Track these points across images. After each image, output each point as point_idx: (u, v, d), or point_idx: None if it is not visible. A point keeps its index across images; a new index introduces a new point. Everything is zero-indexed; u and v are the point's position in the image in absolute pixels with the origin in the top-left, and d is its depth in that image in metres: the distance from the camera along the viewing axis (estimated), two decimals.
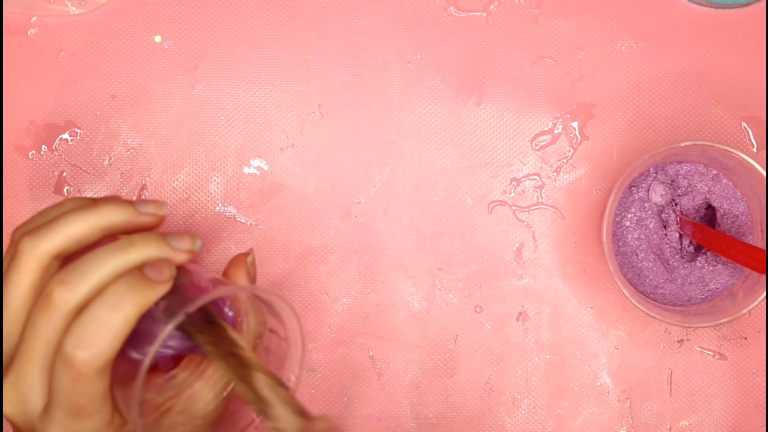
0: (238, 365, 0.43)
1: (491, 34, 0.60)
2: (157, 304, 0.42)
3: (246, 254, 0.50)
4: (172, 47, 0.60)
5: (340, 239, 0.60)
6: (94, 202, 0.44)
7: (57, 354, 0.40)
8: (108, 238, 0.44)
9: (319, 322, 0.59)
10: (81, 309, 0.41)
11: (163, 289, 0.41)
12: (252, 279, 0.50)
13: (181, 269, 0.44)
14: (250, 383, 0.43)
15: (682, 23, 0.60)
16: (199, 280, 0.44)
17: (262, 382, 0.43)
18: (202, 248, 0.59)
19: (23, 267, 0.42)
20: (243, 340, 0.45)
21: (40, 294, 0.41)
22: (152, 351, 0.40)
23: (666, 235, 0.58)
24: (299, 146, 0.60)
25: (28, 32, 0.59)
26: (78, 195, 0.47)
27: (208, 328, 0.44)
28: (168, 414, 0.46)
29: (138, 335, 0.41)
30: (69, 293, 0.40)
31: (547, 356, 0.60)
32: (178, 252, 0.43)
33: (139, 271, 0.41)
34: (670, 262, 0.58)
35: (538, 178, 0.60)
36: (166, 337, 0.40)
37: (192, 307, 0.41)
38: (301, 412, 0.43)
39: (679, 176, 0.58)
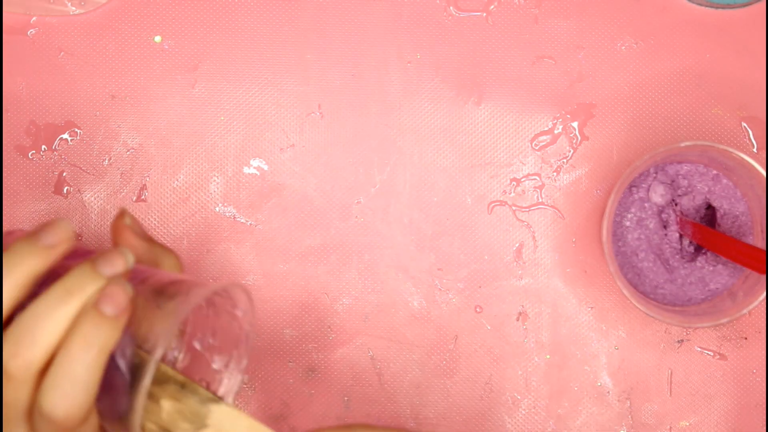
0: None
1: (491, 34, 0.60)
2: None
3: (121, 217, 0.46)
4: (172, 47, 0.60)
5: (340, 239, 0.60)
6: (60, 285, 0.40)
7: (35, 413, 0.39)
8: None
9: (319, 322, 0.59)
10: (44, 366, 0.39)
11: (124, 320, 0.39)
12: (141, 236, 0.46)
13: None
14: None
15: (682, 23, 0.60)
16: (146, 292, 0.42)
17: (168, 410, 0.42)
18: (203, 248, 0.59)
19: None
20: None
21: None
22: (145, 385, 0.38)
23: (666, 235, 0.58)
24: (299, 146, 0.60)
25: (28, 32, 0.60)
26: None
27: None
28: None
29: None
30: (24, 363, 0.38)
31: (547, 356, 0.60)
32: (116, 280, 0.40)
33: (96, 310, 0.39)
34: (670, 262, 0.58)
35: (538, 178, 0.60)
36: (156, 364, 0.39)
37: (163, 345, 0.39)
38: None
39: (679, 176, 0.58)
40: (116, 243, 0.46)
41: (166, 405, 0.42)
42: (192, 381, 0.43)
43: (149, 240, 0.46)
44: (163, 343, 0.39)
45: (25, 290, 0.40)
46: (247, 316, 0.44)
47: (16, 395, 0.39)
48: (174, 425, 0.42)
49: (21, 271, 0.40)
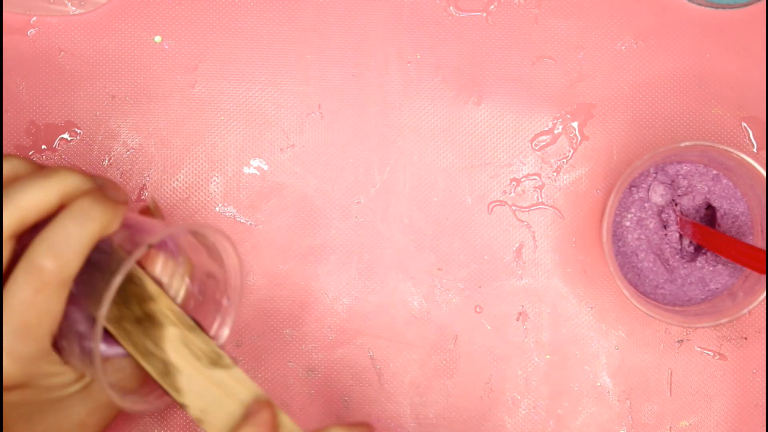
0: (148, 329, 0.44)
1: (491, 34, 0.60)
2: (110, 241, 0.42)
3: (146, 204, 0.51)
4: (172, 47, 0.60)
5: (340, 239, 0.60)
6: (45, 171, 0.44)
7: (20, 266, 0.41)
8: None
9: (319, 322, 0.59)
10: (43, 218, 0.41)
11: (123, 210, 0.42)
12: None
13: None
14: (158, 349, 0.43)
15: (682, 23, 0.60)
16: (141, 222, 0.45)
17: (172, 338, 0.43)
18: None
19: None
20: (164, 296, 0.45)
21: (22, 265, 0.41)
22: (117, 281, 0.40)
23: (666, 235, 0.58)
24: (299, 146, 0.60)
25: (28, 32, 0.60)
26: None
27: (124, 287, 0.44)
28: None
29: (91, 277, 0.41)
30: (59, 262, 0.41)
31: (547, 356, 0.60)
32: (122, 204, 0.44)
33: (101, 190, 0.42)
34: (670, 262, 0.58)
35: (538, 178, 0.60)
36: (127, 269, 0.40)
37: (155, 239, 0.41)
38: (220, 361, 0.43)
39: (679, 176, 0.58)
40: None
41: (172, 331, 0.43)
42: (201, 329, 0.44)
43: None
44: (143, 245, 0.41)
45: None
46: (234, 274, 0.45)
47: (50, 302, 0.41)
48: (178, 353, 0.43)
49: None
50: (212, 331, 0.47)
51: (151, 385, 0.45)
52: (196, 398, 0.43)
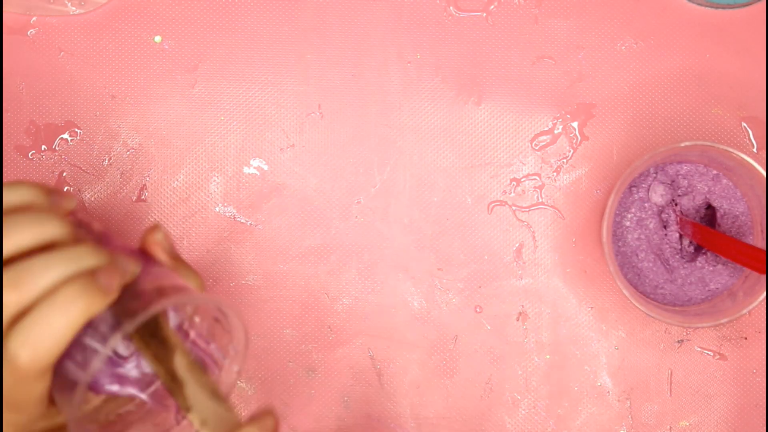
0: (161, 346, 0.44)
1: (491, 34, 0.60)
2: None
3: (154, 231, 0.47)
4: (172, 47, 0.60)
5: (340, 239, 0.60)
6: (75, 249, 0.41)
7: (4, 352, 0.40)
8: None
9: (319, 322, 0.59)
10: (24, 312, 0.40)
11: (110, 299, 0.40)
12: (170, 253, 0.48)
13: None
14: (169, 364, 0.43)
15: (682, 23, 0.60)
16: (142, 287, 0.43)
17: (180, 363, 0.43)
18: (203, 248, 0.59)
19: None
20: (180, 345, 0.45)
21: None
22: (91, 371, 0.40)
23: (666, 235, 0.58)
24: (299, 146, 0.60)
25: (28, 32, 0.60)
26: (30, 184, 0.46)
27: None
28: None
29: (76, 346, 0.41)
30: (18, 295, 0.39)
31: (547, 356, 0.60)
32: (126, 273, 0.42)
33: (90, 276, 0.40)
34: (670, 262, 0.58)
35: (538, 178, 0.60)
36: (104, 357, 0.40)
37: (130, 327, 0.40)
38: (218, 396, 0.43)
39: (679, 176, 0.58)
40: (145, 251, 0.47)
41: (180, 360, 0.43)
42: (202, 368, 0.44)
43: (177, 258, 0.47)
44: (126, 327, 0.40)
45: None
46: (240, 344, 0.45)
47: None
48: (187, 372, 0.43)
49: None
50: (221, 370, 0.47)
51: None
52: (199, 408, 0.43)
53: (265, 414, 0.43)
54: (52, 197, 0.43)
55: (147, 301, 0.42)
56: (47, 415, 0.43)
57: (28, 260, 0.40)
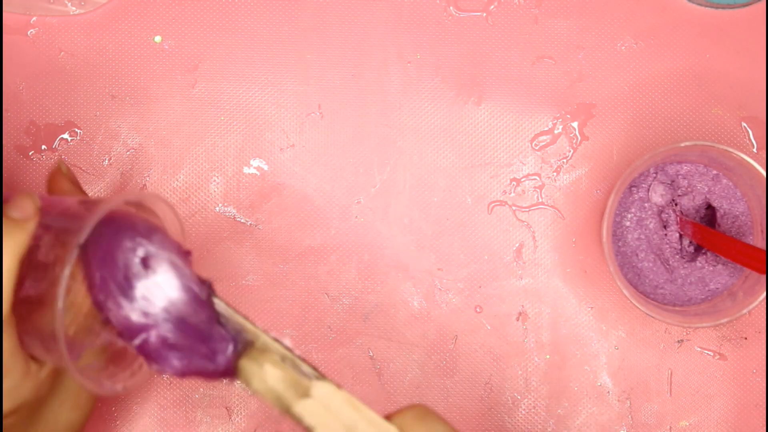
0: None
1: (491, 34, 0.60)
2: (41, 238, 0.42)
3: (59, 166, 0.50)
4: (172, 47, 0.60)
5: (340, 239, 0.60)
6: None
7: None
8: None
9: (319, 322, 0.59)
10: None
11: (32, 225, 0.42)
12: (75, 183, 0.50)
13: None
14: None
15: (682, 23, 0.60)
16: (69, 206, 0.44)
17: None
18: (203, 248, 0.59)
19: None
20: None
21: None
22: (62, 284, 0.40)
23: (666, 235, 0.58)
24: (299, 146, 0.60)
25: (28, 32, 0.60)
26: None
27: None
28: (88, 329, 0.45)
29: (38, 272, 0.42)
30: None
31: (547, 356, 0.60)
32: (26, 193, 0.44)
33: (3, 215, 0.42)
34: (670, 262, 0.58)
35: (538, 178, 0.60)
36: (70, 266, 0.40)
37: (86, 229, 0.41)
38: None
39: (679, 176, 0.58)
40: (50, 188, 0.50)
41: (270, 370, 0.42)
42: (294, 354, 0.43)
43: (79, 187, 0.50)
44: (73, 251, 0.40)
45: None
46: (172, 227, 0.46)
47: None
48: (279, 390, 0.42)
49: None
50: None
51: (123, 361, 0.45)
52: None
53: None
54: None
55: (81, 216, 0.42)
56: (29, 372, 0.43)
57: None
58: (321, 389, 0.43)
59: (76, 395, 0.48)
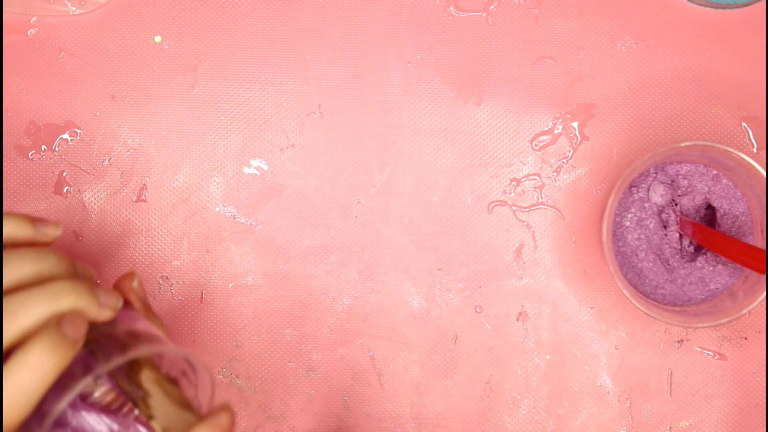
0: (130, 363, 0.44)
1: (491, 34, 0.60)
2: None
3: (130, 278, 0.49)
4: (172, 47, 0.60)
5: (340, 239, 0.60)
6: (53, 285, 0.42)
7: None
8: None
9: (319, 322, 0.59)
10: (7, 351, 0.40)
11: (78, 347, 0.41)
12: (143, 302, 0.49)
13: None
14: (136, 377, 0.44)
15: (682, 23, 0.60)
16: (117, 328, 0.44)
17: (147, 376, 0.44)
18: (202, 248, 0.59)
19: None
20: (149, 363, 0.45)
21: None
22: (56, 412, 0.40)
23: (666, 235, 0.58)
24: (299, 146, 0.60)
25: (28, 32, 0.60)
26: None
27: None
28: None
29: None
30: (8, 414, 0.39)
31: (547, 356, 0.60)
32: (105, 308, 0.43)
33: (58, 328, 0.40)
34: (670, 262, 0.58)
35: (538, 178, 0.60)
36: (69, 401, 0.40)
37: (102, 370, 0.41)
38: (186, 405, 0.43)
39: (679, 176, 0.58)
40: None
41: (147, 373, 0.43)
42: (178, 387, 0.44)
43: (148, 307, 0.49)
44: (99, 370, 0.41)
45: None
46: (205, 392, 0.46)
47: None
48: (153, 386, 0.44)
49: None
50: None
51: None
52: (162, 417, 0.44)
53: (220, 410, 0.43)
54: (37, 226, 0.44)
55: (121, 343, 0.42)
56: None
57: (8, 298, 0.40)
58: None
59: None
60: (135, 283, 0.49)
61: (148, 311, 0.49)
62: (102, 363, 0.41)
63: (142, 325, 0.45)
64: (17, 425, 0.40)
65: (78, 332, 0.41)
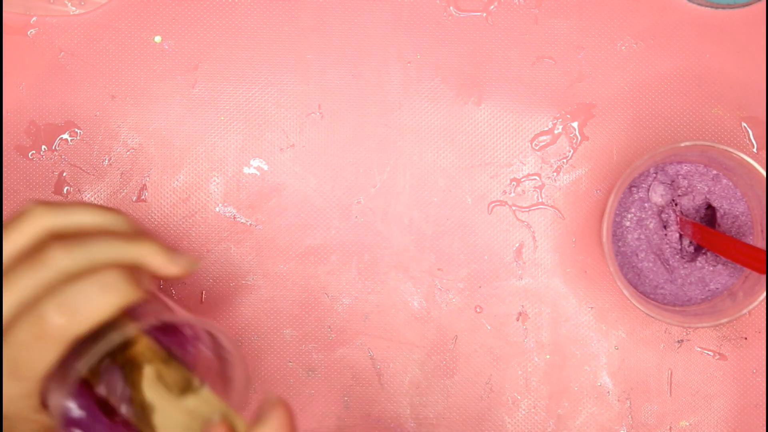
0: (127, 374, 0.44)
1: (491, 34, 0.60)
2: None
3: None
4: (172, 47, 0.60)
5: (340, 239, 0.60)
6: (135, 237, 0.44)
7: (28, 310, 0.40)
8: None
9: (319, 322, 0.59)
10: (66, 279, 0.41)
11: (142, 296, 0.42)
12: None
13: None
14: (135, 391, 0.44)
15: (682, 23, 0.60)
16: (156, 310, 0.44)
17: (148, 377, 0.44)
18: (203, 248, 0.59)
19: (23, 228, 0.42)
20: (143, 337, 0.45)
21: (36, 249, 0.41)
22: (93, 356, 0.40)
23: (666, 235, 0.58)
24: (299, 146, 0.60)
25: (28, 32, 0.60)
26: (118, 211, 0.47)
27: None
28: None
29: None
30: (65, 255, 0.40)
31: (547, 356, 0.60)
32: (175, 265, 0.44)
33: (134, 270, 0.42)
34: (670, 262, 0.58)
35: (538, 178, 0.60)
36: (106, 349, 0.40)
37: (131, 330, 0.41)
38: (189, 384, 0.44)
39: (679, 176, 0.58)
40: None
41: (148, 370, 0.44)
42: (175, 359, 0.44)
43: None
44: (127, 330, 0.41)
45: None
46: (241, 379, 0.46)
47: (31, 277, 0.41)
48: (153, 390, 0.43)
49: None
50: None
51: None
52: (167, 430, 0.44)
53: (274, 407, 0.42)
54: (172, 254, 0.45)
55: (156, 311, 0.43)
56: (33, 414, 0.43)
57: (84, 235, 0.42)
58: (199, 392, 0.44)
59: None
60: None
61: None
62: (146, 317, 0.41)
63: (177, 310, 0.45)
64: (72, 338, 0.40)
65: (148, 282, 0.43)
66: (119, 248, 0.42)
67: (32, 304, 0.40)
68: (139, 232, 0.45)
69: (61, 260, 0.40)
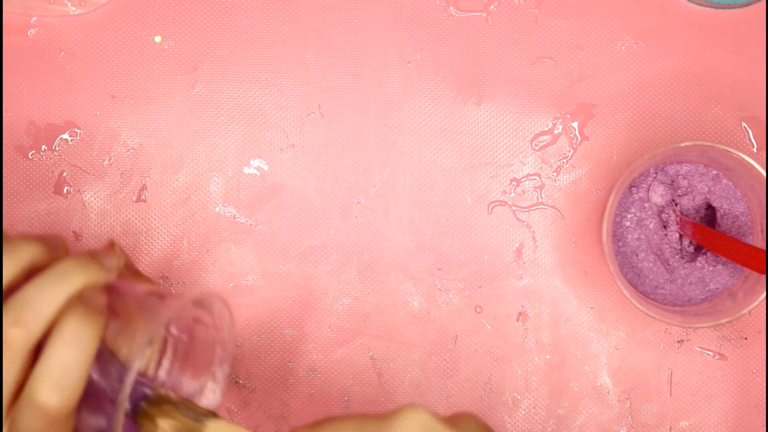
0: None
1: (491, 34, 0.60)
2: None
3: (111, 248, 0.48)
4: (172, 47, 0.60)
5: (340, 239, 0.60)
6: (58, 267, 0.42)
7: (22, 399, 0.39)
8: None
9: (319, 322, 0.59)
10: (36, 347, 0.40)
11: (105, 313, 0.41)
12: (131, 267, 0.49)
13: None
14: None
15: (682, 23, 0.60)
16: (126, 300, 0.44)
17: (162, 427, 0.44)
18: (202, 248, 0.59)
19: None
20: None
21: None
22: (129, 381, 0.40)
23: (666, 235, 0.58)
24: (299, 146, 0.60)
25: (28, 32, 0.60)
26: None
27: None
28: None
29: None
30: (25, 333, 0.39)
31: (547, 356, 0.60)
32: (111, 271, 0.43)
33: (84, 302, 0.41)
34: (670, 262, 0.58)
35: (538, 179, 0.60)
36: (137, 370, 0.40)
37: (160, 324, 0.41)
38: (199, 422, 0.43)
39: (679, 176, 0.58)
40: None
41: (163, 423, 0.43)
42: (184, 399, 0.44)
43: (137, 272, 0.49)
44: (144, 348, 0.40)
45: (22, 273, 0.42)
46: (225, 324, 0.45)
47: (8, 370, 0.40)
48: None
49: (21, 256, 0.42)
50: (213, 367, 0.48)
51: None
52: None
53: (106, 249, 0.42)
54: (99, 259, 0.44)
55: (153, 307, 0.42)
56: None
57: (23, 291, 0.40)
58: (213, 426, 0.43)
59: None
60: (117, 251, 0.48)
61: (138, 274, 0.49)
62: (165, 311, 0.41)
63: (142, 288, 0.45)
64: (75, 403, 0.40)
65: (100, 300, 0.41)
66: (64, 288, 0.41)
67: (20, 395, 0.40)
68: (55, 256, 0.43)
69: (23, 340, 0.39)
